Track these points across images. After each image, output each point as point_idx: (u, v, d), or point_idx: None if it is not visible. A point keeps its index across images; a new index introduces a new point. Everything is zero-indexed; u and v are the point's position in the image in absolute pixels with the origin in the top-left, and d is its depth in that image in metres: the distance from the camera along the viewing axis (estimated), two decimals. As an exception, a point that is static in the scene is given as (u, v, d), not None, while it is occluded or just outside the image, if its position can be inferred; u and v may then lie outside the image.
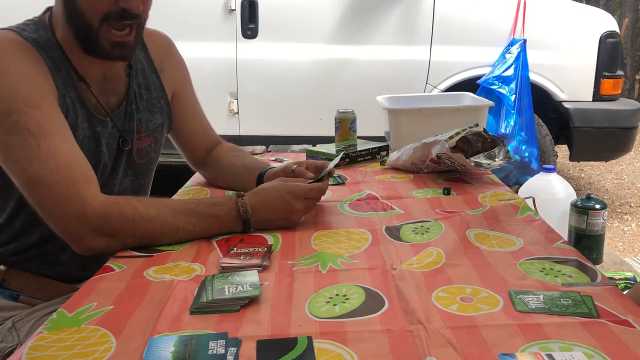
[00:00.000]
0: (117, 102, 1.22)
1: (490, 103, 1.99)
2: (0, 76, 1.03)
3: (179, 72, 1.40)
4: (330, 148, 1.78)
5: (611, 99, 3.60)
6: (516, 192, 1.65)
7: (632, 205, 4.17)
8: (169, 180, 1.41)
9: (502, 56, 3.49)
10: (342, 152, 1.44)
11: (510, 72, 3.42)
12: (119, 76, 1.23)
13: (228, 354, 0.69)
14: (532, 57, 3.46)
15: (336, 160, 1.35)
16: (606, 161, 4.91)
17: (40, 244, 1.19)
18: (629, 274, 1.91)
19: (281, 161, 1.71)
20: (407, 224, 1.16)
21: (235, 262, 0.97)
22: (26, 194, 1.04)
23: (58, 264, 1.20)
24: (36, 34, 1.11)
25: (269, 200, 1.12)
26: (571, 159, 3.78)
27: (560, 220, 2.03)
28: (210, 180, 1.52)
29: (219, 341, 0.72)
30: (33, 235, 1.17)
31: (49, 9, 1.16)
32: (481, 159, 1.49)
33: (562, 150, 4.61)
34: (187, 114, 1.43)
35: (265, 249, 1.02)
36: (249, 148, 3.06)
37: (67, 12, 1.09)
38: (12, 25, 1.12)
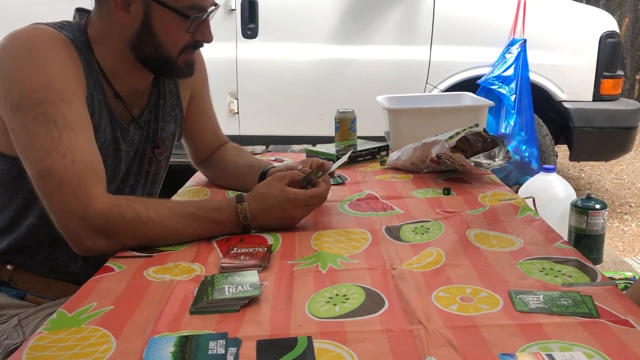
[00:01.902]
0: (139, 111, 1.26)
1: (490, 103, 1.99)
2: (38, 66, 1.05)
3: (198, 74, 1.40)
4: (330, 148, 1.78)
5: (611, 99, 3.60)
6: (516, 192, 1.65)
7: (632, 205, 4.17)
8: (169, 180, 1.40)
9: (502, 56, 3.49)
10: (349, 152, 1.43)
11: (510, 72, 3.42)
12: (147, 89, 1.27)
13: (228, 354, 0.69)
14: (532, 57, 3.46)
15: (343, 160, 1.34)
16: (606, 161, 4.91)
17: (50, 251, 1.19)
18: (629, 274, 1.91)
19: (281, 161, 1.71)
20: (407, 224, 1.16)
21: (235, 262, 0.97)
22: (36, 184, 1.05)
23: (67, 272, 1.21)
24: (72, 35, 1.13)
25: (268, 208, 1.12)
26: (571, 159, 3.78)
27: (560, 220, 2.03)
28: (212, 179, 1.52)
29: (219, 341, 0.72)
30: (40, 236, 1.17)
31: (83, 16, 1.18)
32: (481, 159, 1.49)
33: (562, 150, 4.61)
34: (201, 113, 1.45)
35: (265, 249, 1.02)
36: (249, 148, 3.06)
37: (138, 43, 1.14)
38: (48, 22, 1.14)
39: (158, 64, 1.17)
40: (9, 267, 1.19)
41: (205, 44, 1.22)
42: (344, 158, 1.34)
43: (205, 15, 1.15)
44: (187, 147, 1.51)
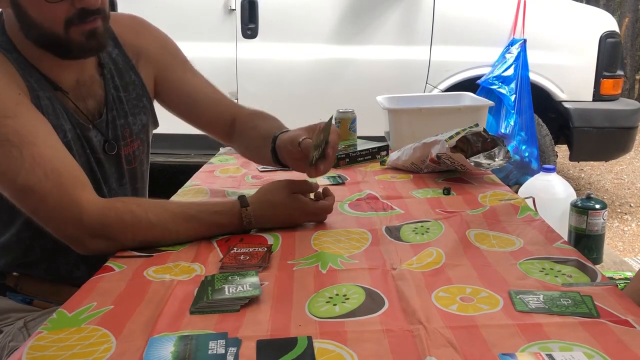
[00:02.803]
0: (95, 106, 1.17)
1: (490, 103, 1.99)
2: None
3: (157, 50, 1.29)
4: (330, 148, 1.78)
5: (611, 99, 3.60)
6: (516, 192, 1.65)
7: (632, 205, 4.17)
8: (169, 180, 1.39)
9: (502, 56, 3.49)
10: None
11: (510, 72, 3.42)
12: (92, 78, 1.17)
13: (228, 354, 0.69)
14: (532, 57, 3.46)
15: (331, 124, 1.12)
16: (606, 161, 4.91)
17: (50, 261, 1.17)
18: (629, 274, 1.91)
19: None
20: (407, 224, 1.16)
21: (235, 262, 0.97)
22: (18, 204, 1.02)
23: (72, 278, 1.17)
24: None
25: (274, 215, 1.11)
26: (571, 159, 3.78)
27: (560, 220, 2.03)
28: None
29: (219, 341, 0.72)
30: (35, 249, 1.15)
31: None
32: (481, 159, 1.49)
33: (562, 150, 4.61)
34: (184, 90, 1.32)
35: (265, 249, 1.02)
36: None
37: (24, 27, 1.04)
38: None
39: (52, 45, 1.05)
40: (14, 273, 1.18)
41: (92, 9, 1.03)
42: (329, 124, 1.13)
43: None
44: (200, 129, 1.38)
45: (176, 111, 1.35)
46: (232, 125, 1.35)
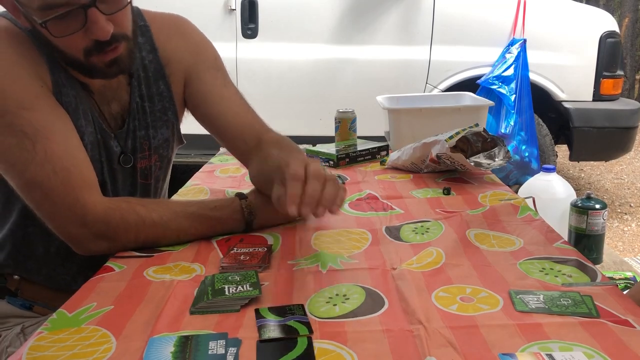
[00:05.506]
0: (119, 111, 1.15)
1: (490, 103, 1.99)
2: None
3: (186, 56, 1.23)
4: (330, 148, 1.78)
5: (611, 99, 3.61)
6: (516, 192, 1.65)
7: (632, 205, 4.17)
8: (169, 180, 1.38)
9: (502, 56, 3.49)
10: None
11: (510, 72, 3.42)
12: (119, 82, 1.15)
13: (228, 354, 0.69)
14: (532, 57, 3.46)
15: None
16: (606, 161, 4.92)
17: (50, 269, 1.16)
18: (629, 274, 1.92)
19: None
20: (407, 223, 1.16)
21: (235, 262, 0.97)
22: (24, 196, 1.02)
23: (70, 290, 1.16)
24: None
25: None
26: (571, 159, 3.78)
27: (560, 220, 2.03)
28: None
29: (219, 341, 0.72)
30: (37, 246, 1.15)
31: None
32: (481, 159, 1.49)
33: (562, 150, 4.61)
34: (209, 101, 1.24)
35: (265, 249, 1.02)
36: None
37: (49, 48, 1.02)
38: (5, 11, 1.02)
39: (75, 67, 1.03)
40: (15, 276, 1.17)
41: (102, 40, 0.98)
42: None
43: (54, 15, 0.93)
44: (224, 146, 1.32)
45: (202, 123, 1.27)
46: (253, 149, 1.23)
